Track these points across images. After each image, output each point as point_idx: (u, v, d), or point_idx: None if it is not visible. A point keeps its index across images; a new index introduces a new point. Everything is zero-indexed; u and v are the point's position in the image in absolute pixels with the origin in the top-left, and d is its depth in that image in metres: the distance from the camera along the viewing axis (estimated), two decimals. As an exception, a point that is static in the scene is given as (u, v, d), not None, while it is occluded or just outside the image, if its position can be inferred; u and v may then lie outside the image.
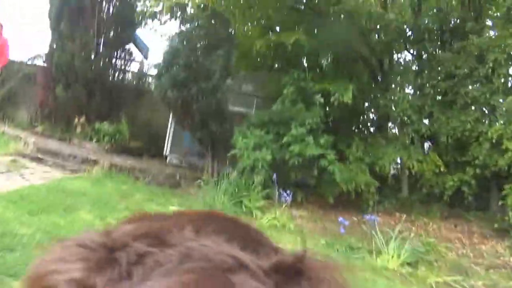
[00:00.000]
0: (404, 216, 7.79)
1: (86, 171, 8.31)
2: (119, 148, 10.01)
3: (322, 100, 9.06)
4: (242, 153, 8.57)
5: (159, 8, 11.67)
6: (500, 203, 8.16)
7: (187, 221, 0.41)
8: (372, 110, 10.89)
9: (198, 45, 9.22)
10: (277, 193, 8.07)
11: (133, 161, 9.50)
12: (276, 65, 11.27)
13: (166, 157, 10.58)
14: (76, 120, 10.37)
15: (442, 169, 8.84)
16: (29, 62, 11.99)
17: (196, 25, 9.35)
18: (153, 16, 11.96)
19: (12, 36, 11.70)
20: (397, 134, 10.19)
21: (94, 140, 10.11)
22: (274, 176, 8.26)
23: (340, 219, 7.25)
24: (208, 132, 9.10)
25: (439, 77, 9.19)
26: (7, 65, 10.52)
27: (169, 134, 10.74)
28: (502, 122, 8.45)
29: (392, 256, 6.16)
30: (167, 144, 10.69)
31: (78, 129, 10.26)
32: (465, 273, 6.21)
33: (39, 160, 8.55)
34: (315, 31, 9.77)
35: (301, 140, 8.44)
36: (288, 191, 8.10)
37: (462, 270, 6.31)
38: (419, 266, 6.22)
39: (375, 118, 11.08)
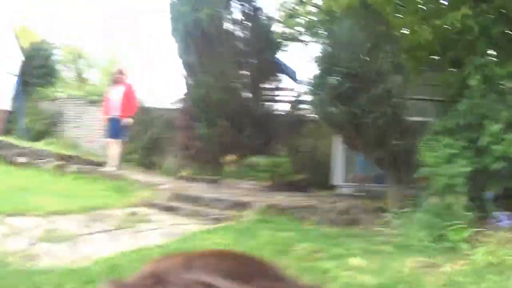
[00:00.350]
0: None
1: (233, 219, 6.70)
2: (279, 184, 8.51)
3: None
4: (433, 170, 6.76)
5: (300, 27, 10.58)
6: None
7: (199, 259, 0.40)
8: None
9: (358, 46, 7.54)
10: (490, 215, 6.42)
11: (296, 197, 7.87)
12: (448, 58, 9.19)
13: (335, 187, 8.81)
14: (225, 158, 9.25)
15: None
16: (170, 107, 11.39)
17: (349, 23, 7.64)
18: (294, 38, 10.88)
19: (147, 84, 11.45)
20: None
21: (249, 178, 8.77)
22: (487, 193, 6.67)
23: None
24: (387, 149, 7.26)
25: None
26: (144, 112, 10.07)
27: (336, 159, 9.00)
28: None
29: None
30: (335, 171, 8.94)
31: (228, 168, 9.10)
32: None
33: (171, 210, 7.23)
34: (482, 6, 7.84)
35: (499, 139, 6.65)
36: (503, 211, 6.36)
37: None
38: None
39: None
